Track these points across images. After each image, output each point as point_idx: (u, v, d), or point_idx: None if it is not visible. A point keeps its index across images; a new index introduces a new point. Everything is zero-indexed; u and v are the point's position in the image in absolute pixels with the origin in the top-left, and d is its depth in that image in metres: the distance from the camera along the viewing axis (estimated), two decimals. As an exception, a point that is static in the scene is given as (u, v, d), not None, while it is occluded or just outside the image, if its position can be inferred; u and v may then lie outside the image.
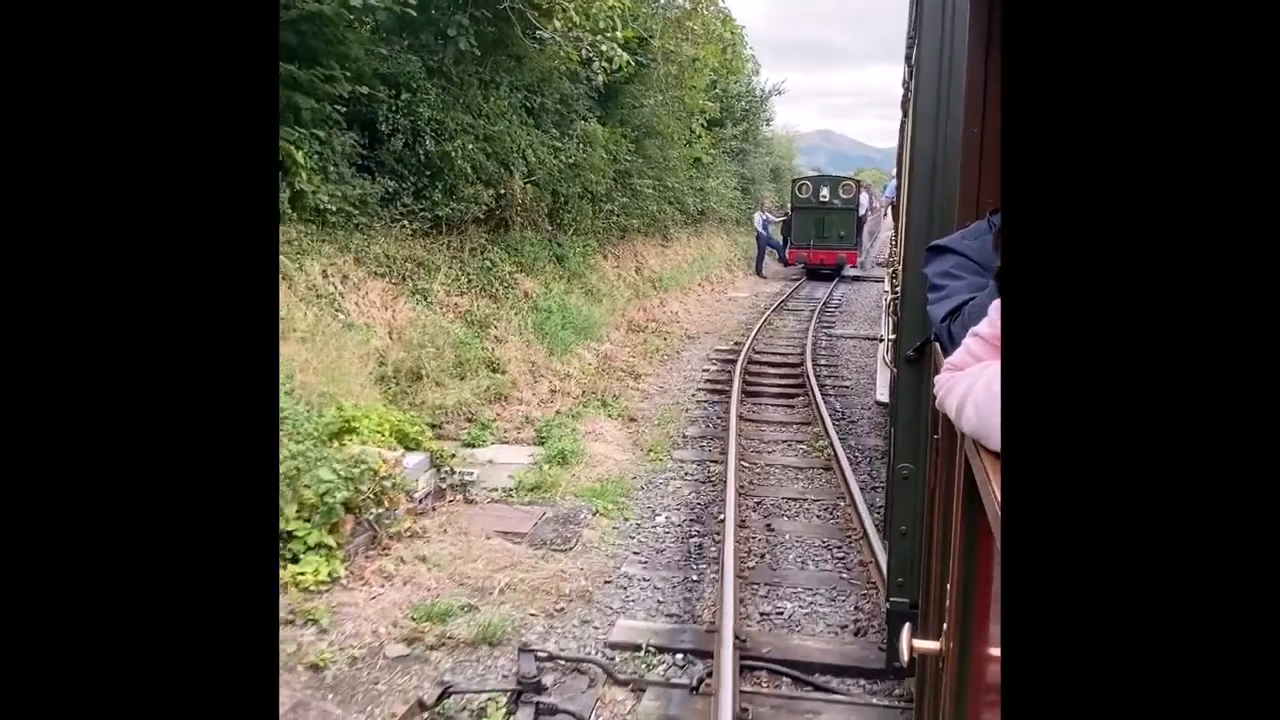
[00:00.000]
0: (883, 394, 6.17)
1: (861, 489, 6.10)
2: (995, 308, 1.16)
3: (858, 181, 22.89)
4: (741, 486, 6.27)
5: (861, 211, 22.46)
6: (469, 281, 9.30)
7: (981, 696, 1.28)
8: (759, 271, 22.99)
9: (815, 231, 22.16)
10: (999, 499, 0.87)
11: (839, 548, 5.24)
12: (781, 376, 10.36)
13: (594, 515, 5.55)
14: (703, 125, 16.26)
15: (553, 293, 10.85)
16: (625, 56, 9.33)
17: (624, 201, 14.37)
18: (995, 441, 1.01)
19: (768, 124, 30.52)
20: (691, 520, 5.65)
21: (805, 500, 6.07)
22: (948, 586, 1.45)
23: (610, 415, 8.25)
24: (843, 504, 5.97)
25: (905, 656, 1.66)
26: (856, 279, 22.73)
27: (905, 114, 4.01)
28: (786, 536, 5.40)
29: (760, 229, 22.86)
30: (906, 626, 1.74)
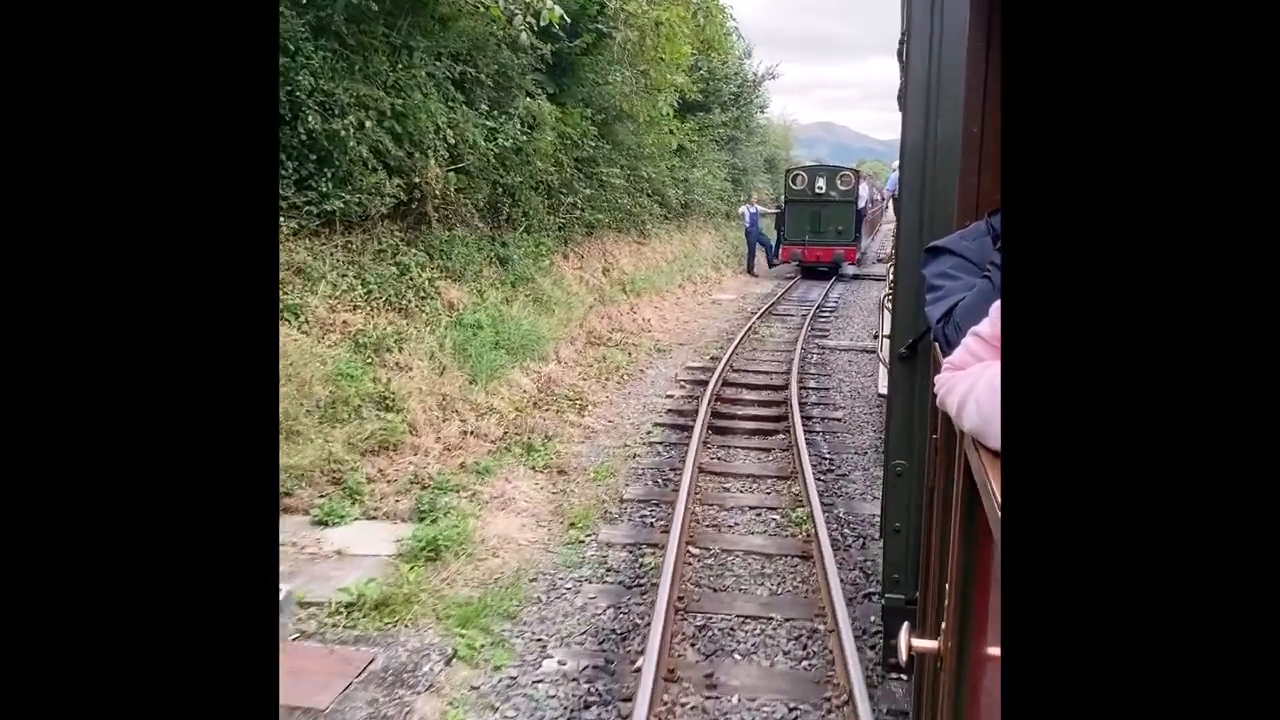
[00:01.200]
0: (884, 387, 5.55)
1: (849, 600, 4.30)
2: (996, 308, 1.14)
3: (856, 171, 20.98)
4: (682, 595, 4.47)
5: (861, 204, 20.59)
6: (368, 292, 7.47)
7: (980, 696, 1.27)
8: (750, 270, 21.14)
9: (810, 226, 20.29)
10: (999, 498, 0.91)
11: (812, 725, 3.42)
12: (760, 405, 8.54)
13: (449, 662, 3.73)
14: (673, 105, 14.35)
15: (487, 303, 9.03)
16: (557, 10, 7.48)
17: (588, 194, 12.53)
18: (996, 440, 1.02)
19: (762, 111, 28.67)
20: (597, 666, 3.83)
21: (770, 621, 4.25)
22: (946, 586, 1.46)
23: (533, 466, 6.44)
24: (823, 629, 4.16)
25: (904, 656, 1.65)
26: (856, 278, 20.88)
27: (902, 109, 3.88)
28: (735, 700, 3.58)
29: (749, 223, 20.99)
30: (905, 625, 1.73)
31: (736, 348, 11.16)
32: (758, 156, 27.51)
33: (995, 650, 1.01)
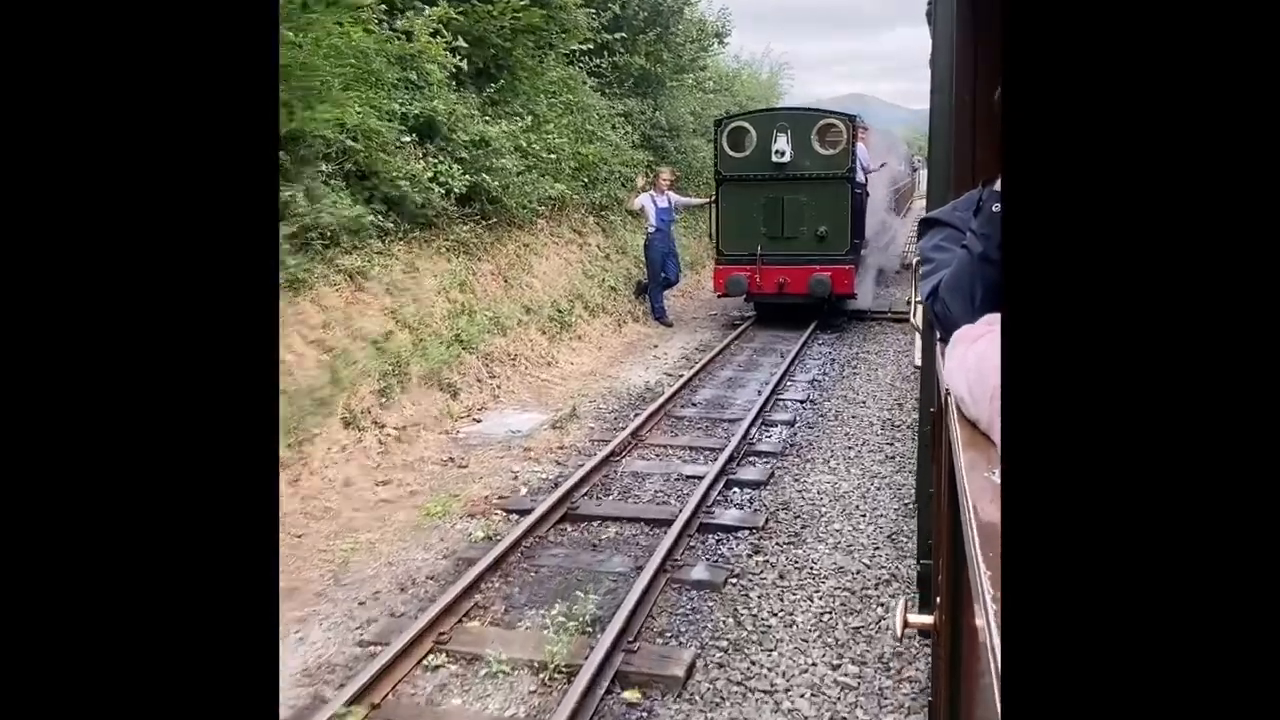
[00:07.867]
0: (919, 357, 4.41)
1: None
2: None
3: (851, 119, 10.60)
4: None
5: (859, 176, 10.45)
6: None
7: (974, 670, 1.26)
8: (657, 315, 11.15)
9: (766, 227, 10.29)
10: (965, 469, 0.97)
11: None
12: None
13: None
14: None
15: None
16: None
17: None
18: (971, 409, 1.09)
19: (720, 41, 18.44)
20: None
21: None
22: (940, 560, 1.48)
23: None
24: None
25: (899, 631, 1.70)
26: (859, 316, 10.85)
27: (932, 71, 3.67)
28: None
29: (654, 226, 10.99)
30: (901, 602, 1.78)
31: None
32: (706, 108, 17.32)
33: (979, 621, 1.00)
